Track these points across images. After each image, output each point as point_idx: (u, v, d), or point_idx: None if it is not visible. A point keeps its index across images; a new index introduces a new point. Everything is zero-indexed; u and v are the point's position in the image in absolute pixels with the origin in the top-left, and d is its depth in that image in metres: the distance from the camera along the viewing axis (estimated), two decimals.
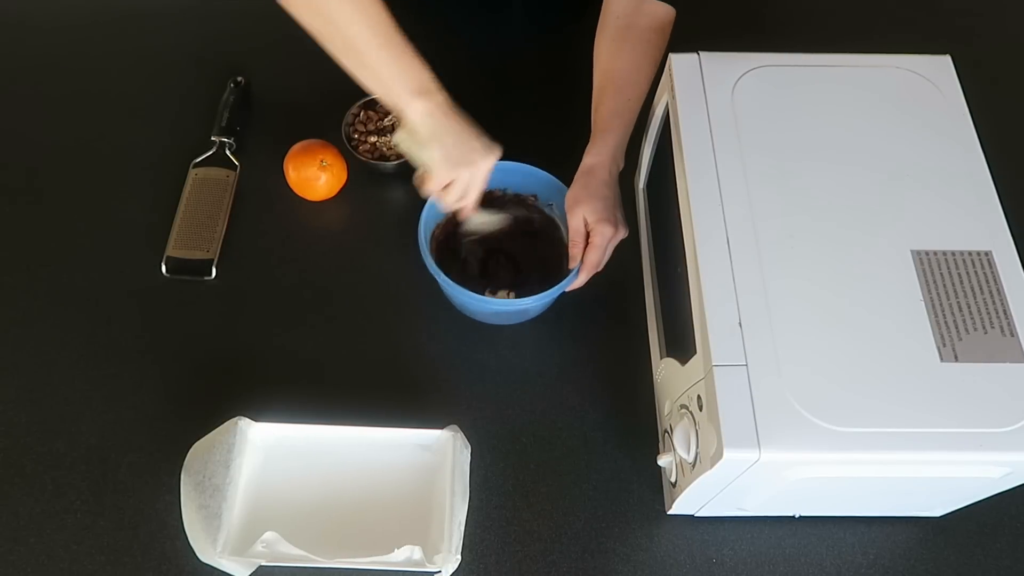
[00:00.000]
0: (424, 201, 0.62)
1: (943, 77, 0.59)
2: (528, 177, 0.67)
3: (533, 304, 0.61)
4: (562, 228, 0.68)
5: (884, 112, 0.57)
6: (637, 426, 0.62)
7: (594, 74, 0.65)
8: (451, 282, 0.60)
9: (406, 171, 0.73)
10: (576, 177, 0.62)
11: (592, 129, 0.63)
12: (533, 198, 0.69)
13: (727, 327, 0.48)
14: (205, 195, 0.72)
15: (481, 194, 0.59)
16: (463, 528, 0.55)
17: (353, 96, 0.74)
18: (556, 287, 0.60)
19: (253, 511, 0.57)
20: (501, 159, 0.59)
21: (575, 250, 0.61)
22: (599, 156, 0.62)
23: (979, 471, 0.47)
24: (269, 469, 0.59)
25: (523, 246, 0.68)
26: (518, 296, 0.64)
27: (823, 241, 0.51)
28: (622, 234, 0.61)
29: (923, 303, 0.49)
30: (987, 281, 0.50)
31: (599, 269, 0.61)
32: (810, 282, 0.50)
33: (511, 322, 0.67)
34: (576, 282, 0.61)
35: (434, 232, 0.66)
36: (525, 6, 0.85)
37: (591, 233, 0.60)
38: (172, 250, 0.69)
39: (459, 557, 0.55)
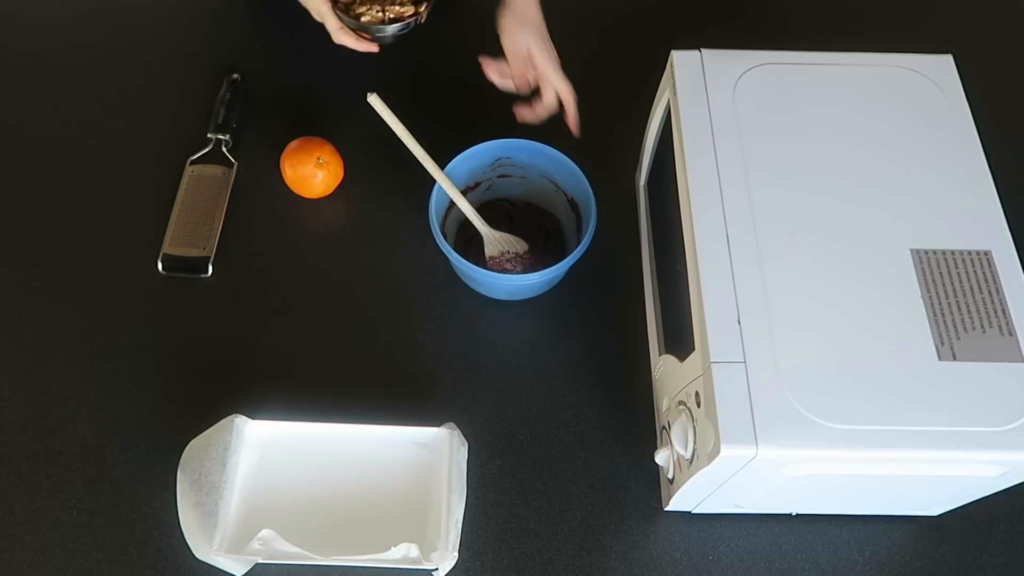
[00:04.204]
0: (432, 187, 0.63)
1: (945, 76, 0.59)
2: (533, 153, 0.66)
3: (548, 276, 0.61)
4: (565, 198, 0.68)
5: (885, 111, 0.57)
6: (634, 423, 0.62)
7: None
8: (472, 264, 0.60)
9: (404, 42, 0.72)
10: (508, 4, 0.62)
11: None
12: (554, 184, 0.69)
13: (726, 324, 0.48)
14: (201, 192, 0.72)
15: None
16: (460, 526, 0.55)
17: (353, 95, 0.73)
18: (571, 256, 0.60)
19: (249, 509, 0.57)
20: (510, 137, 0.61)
21: (519, 78, 0.63)
22: None
23: (976, 470, 0.47)
24: (265, 467, 0.59)
25: (530, 222, 0.70)
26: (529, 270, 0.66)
27: (823, 239, 0.51)
28: (558, 60, 0.64)
29: (922, 302, 0.49)
30: (986, 280, 0.50)
31: (574, 94, 0.63)
32: (809, 280, 0.50)
33: (527, 296, 0.67)
34: (571, 116, 0.64)
35: (445, 215, 0.66)
36: None
37: (540, 65, 0.62)
38: (168, 247, 0.69)
39: (456, 554, 0.55)
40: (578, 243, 0.61)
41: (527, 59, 0.63)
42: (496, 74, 0.66)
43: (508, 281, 0.64)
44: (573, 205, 0.67)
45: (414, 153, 0.63)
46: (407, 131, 0.63)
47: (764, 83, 0.58)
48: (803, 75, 0.58)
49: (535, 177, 0.68)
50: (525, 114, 0.66)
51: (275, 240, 0.71)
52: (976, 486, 0.51)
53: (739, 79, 0.58)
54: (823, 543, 0.58)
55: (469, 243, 0.68)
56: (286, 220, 0.72)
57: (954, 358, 0.47)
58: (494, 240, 0.66)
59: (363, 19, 0.71)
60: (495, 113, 0.68)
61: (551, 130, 0.67)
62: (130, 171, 0.74)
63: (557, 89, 0.64)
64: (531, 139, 0.65)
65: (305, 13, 0.70)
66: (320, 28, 0.69)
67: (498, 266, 0.67)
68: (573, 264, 0.62)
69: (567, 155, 0.65)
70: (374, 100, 0.61)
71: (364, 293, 0.68)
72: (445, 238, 0.64)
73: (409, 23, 0.71)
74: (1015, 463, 0.46)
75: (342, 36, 0.68)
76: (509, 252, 0.67)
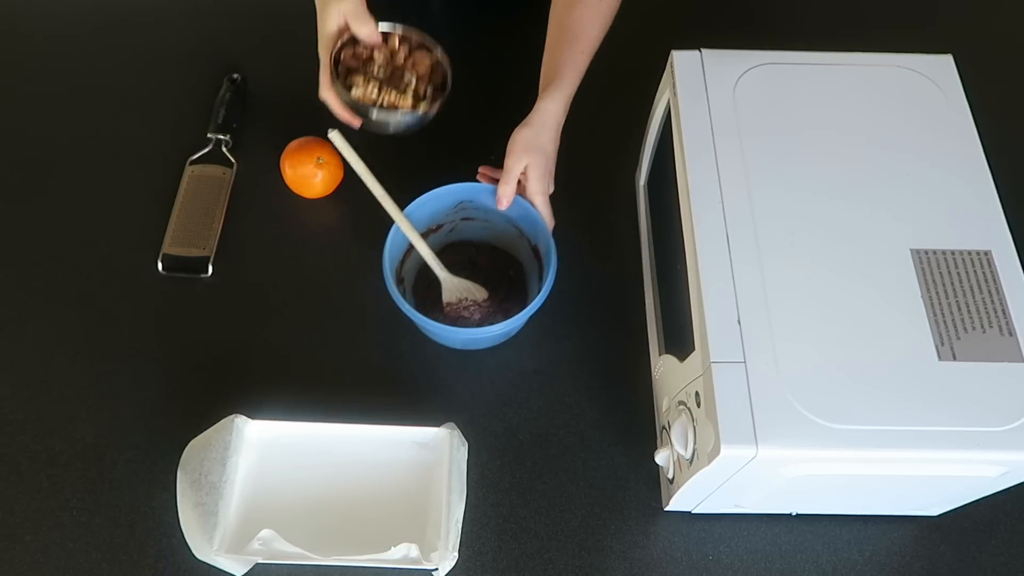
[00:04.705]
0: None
1: (945, 76, 0.59)
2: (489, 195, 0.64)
3: (503, 329, 0.60)
4: (528, 244, 0.66)
5: (885, 111, 0.57)
6: (634, 423, 0.62)
7: (549, 26, 0.65)
8: (423, 316, 0.58)
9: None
10: (531, 121, 0.61)
11: (544, 77, 0.64)
12: (518, 231, 0.66)
13: (726, 324, 0.48)
14: (201, 192, 0.72)
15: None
16: (460, 525, 0.55)
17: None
18: (527, 308, 0.59)
19: (249, 509, 0.57)
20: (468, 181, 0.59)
21: (505, 190, 0.61)
22: (554, 104, 0.61)
23: (976, 470, 0.47)
24: (265, 467, 0.59)
25: (494, 266, 0.68)
26: (488, 321, 0.64)
27: (823, 239, 0.51)
28: (551, 189, 0.63)
29: (922, 302, 0.49)
30: (986, 280, 0.50)
31: (552, 224, 0.63)
32: (809, 280, 0.50)
33: (484, 347, 0.65)
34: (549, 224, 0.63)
35: (401, 263, 0.64)
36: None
37: (529, 191, 0.61)
38: (168, 247, 0.69)
39: (456, 555, 0.55)
40: (540, 291, 0.59)
41: (520, 181, 0.61)
42: (488, 183, 0.64)
43: (461, 334, 0.60)
44: (536, 252, 0.65)
45: (373, 193, 0.61)
46: (368, 170, 0.61)
47: (764, 83, 0.58)
48: (803, 75, 0.58)
49: (499, 222, 0.65)
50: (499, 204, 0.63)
51: (275, 240, 0.71)
52: (976, 486, 0.51)
53: (739, 79, 0.58)
54: (823, 543, 0.58)
55: (428, 286, 0.66)
56: (286, 220, 0.72)
57: (954, 358, 0.47)
58: (452, 287, 0.64)
59: (353, 92, 0.61)
60: (465, 155, 0.66)
61: None
62: (130, 171, 0.74)
63: (541, 215, 0.62)
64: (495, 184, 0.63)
65: (305, 15, 0.70)
66: (315, 30, 0.68)
67: (455, 313, 0.64)
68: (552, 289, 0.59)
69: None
70: (335, 137, 0.60)
71: (364, 292, 0.68)
72: (402, 282, 0.63)
73: (402, 120, 0.61)
74: (1015, 463, 0.46)
75: (326, 93, 0.62)
76: (467, 300, 0.65)
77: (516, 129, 0.61)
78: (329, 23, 0.60)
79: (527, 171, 0.61)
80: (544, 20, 0.66)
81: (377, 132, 0.63)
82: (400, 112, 0.62)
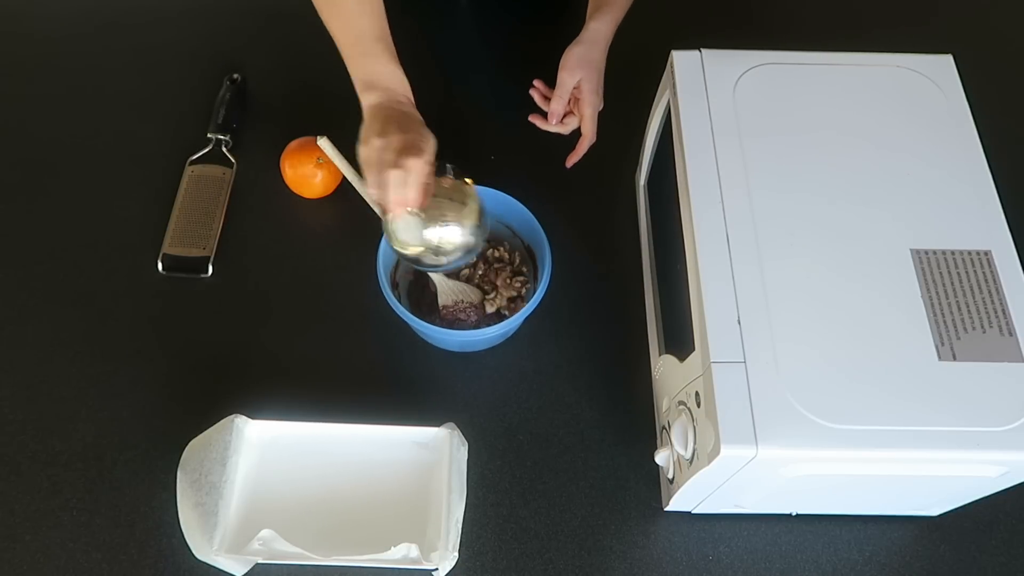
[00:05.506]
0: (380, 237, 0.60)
1: (945, 76, 0.59)
2: (489, 200, 0.63)
3: (500, 331, 0.60)
4: (522, 245, 0.66)
5: (885, 111, 0.57)
6: (634, 423, 0.62)
7: None
8: (419, 320, 0.58)
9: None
10: (582, 39, 0.63)
11: (592, 6, 0.66)
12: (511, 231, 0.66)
13: (726, 324, 0.48)
14: (201, 192, 0.72)
15: (422, 185, 0.53)
16: (460, 525, 0.55)
17: (352, 96, 0.73)
18: (523, 310, 0.59)
19: (249, 509, 0.57)
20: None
21: (557, 105, 0.63)
22: (604, 25, 0.63)
23: (976, 470, 0.47)
24: (265, 467, 0.59)
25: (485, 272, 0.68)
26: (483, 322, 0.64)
27: (823, 239, 0.51)
28: (601, 105, 0.65)
29: (922, 302, 0.49)
30: (986, 280, 0.50)
31: (594, 140, 0.65)
32: (809, 280, 0.50)
33: (481, 348, 0.65)
34: (577, 154, 0.65)
35: (395, 266, 0.64)
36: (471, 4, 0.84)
37: (582, 102, 0.63)
38: (168, 247, 0.69)
39: (456, 555, 0.55)
40: (534, 291, 0.59)
41: (574, 95, 0.63)
42: (540, 99, 0.66)
43: (457, 336, 0.60)
44: (530, 252, 0.65)
45: (364, 198, 0.60)
46: (357, 176, 0.60)
47: (764, 83, 0.58)
48: (803, 75, 0.58)
49: (492, 223, 0.64)
50: (539, 122, 0.66)
51: (275, 240, 0.71)
52: (976, 486, 0.51)
53: (739, 79, 0.58)
54: (823, 543, 0.58)
55: (423, 291, 0.66)
56: (286, 220, 0.72)
57: (954, 358, 0.47)
58: (448, 289, 0.64)
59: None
60: (456, 155, 0.65)
61: (517, 169, 0.66)
62: (130, 171, 0.74)
63: (583, 131, 0.64)
64: (488, 185, 0.63)
65: (306, 15, 0.70)
66: (316, 30, 0.68)
67: (452, 315, 0.64)
68: (540, 299, 0.59)
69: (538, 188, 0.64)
70: (324, 143, 0.59)
71: (364, 292, 0.68)
72: (397, 286, 0.63)
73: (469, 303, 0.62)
74: (1015, 463, 0.46)
75: (378, 189, 0.54)
76: (463, 302, 0.65)
77: (568, 47, 0.63)
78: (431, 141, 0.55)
79: (580, 85, 0.62)
80: (568, 25, 0.67)
81: (400, 251, 0.59)
82: (469, 312, 0.64)
